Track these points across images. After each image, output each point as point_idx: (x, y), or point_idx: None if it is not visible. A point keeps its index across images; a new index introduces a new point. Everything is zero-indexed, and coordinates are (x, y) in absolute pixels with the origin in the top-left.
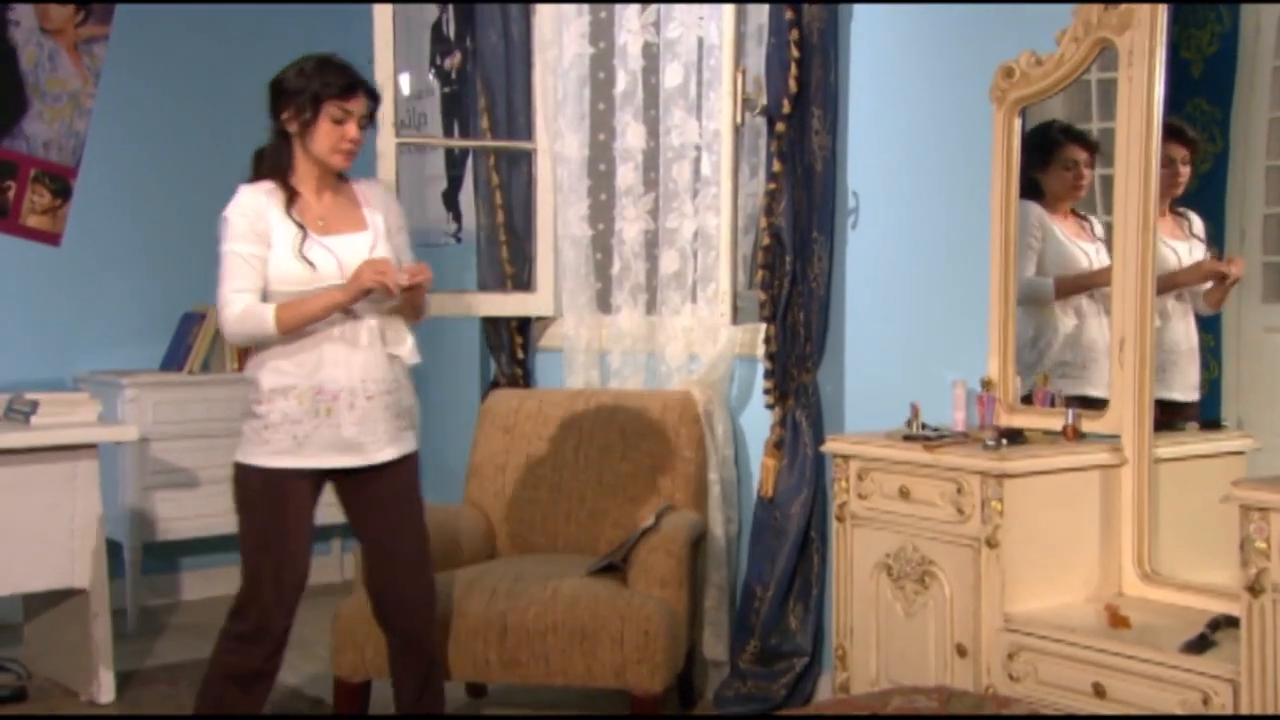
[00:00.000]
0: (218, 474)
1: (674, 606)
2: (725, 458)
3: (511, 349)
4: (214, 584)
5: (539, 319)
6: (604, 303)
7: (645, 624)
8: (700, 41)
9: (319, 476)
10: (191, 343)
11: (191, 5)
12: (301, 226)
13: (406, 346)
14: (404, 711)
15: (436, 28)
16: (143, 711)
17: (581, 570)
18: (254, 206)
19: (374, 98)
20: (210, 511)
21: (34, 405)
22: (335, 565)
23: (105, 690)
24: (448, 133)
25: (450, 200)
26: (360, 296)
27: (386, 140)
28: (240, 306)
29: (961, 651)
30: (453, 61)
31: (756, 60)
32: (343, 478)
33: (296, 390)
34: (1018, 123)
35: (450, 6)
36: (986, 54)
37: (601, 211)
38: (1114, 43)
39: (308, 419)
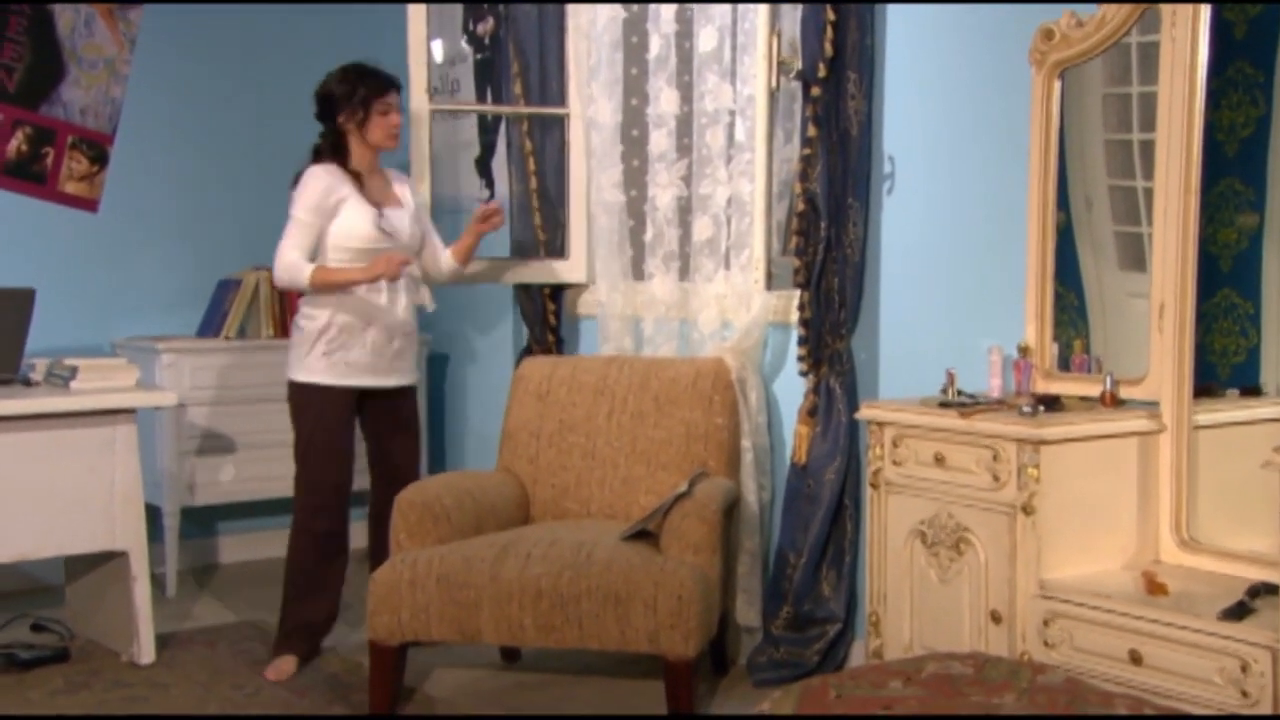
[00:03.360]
0: (254, 439)
1: (707, 572)
2: (758, 424)
3: (544, 316)
4: (251, 548)
5: (572, 286)
6: (637, 269)
7: (678, 589)
8: (734, 5)
9: (353, 394)
10: (228, 309)
11: None
12: (376, 205)
13: (426, 297)
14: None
15: None
16: (180, 671)
17: (615, 536)
18: (327, 185)
19: (400, 88)
20: (247, 476)
21: (73, 370)
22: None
23: (146, 651)
24: (481, 99)
25: (483, 167)
26: (374, 280)
27: (420, 106)
28: (290, 258)
29: (996, 618)
30: (486, 27)
31: (792, 23)
32: (364, 398)
33: (350, 323)
34: (1057, 85)
35: None
36: (1025, 15)
37: (634, 177)
38: (1157, 4)
39: (354, 345)
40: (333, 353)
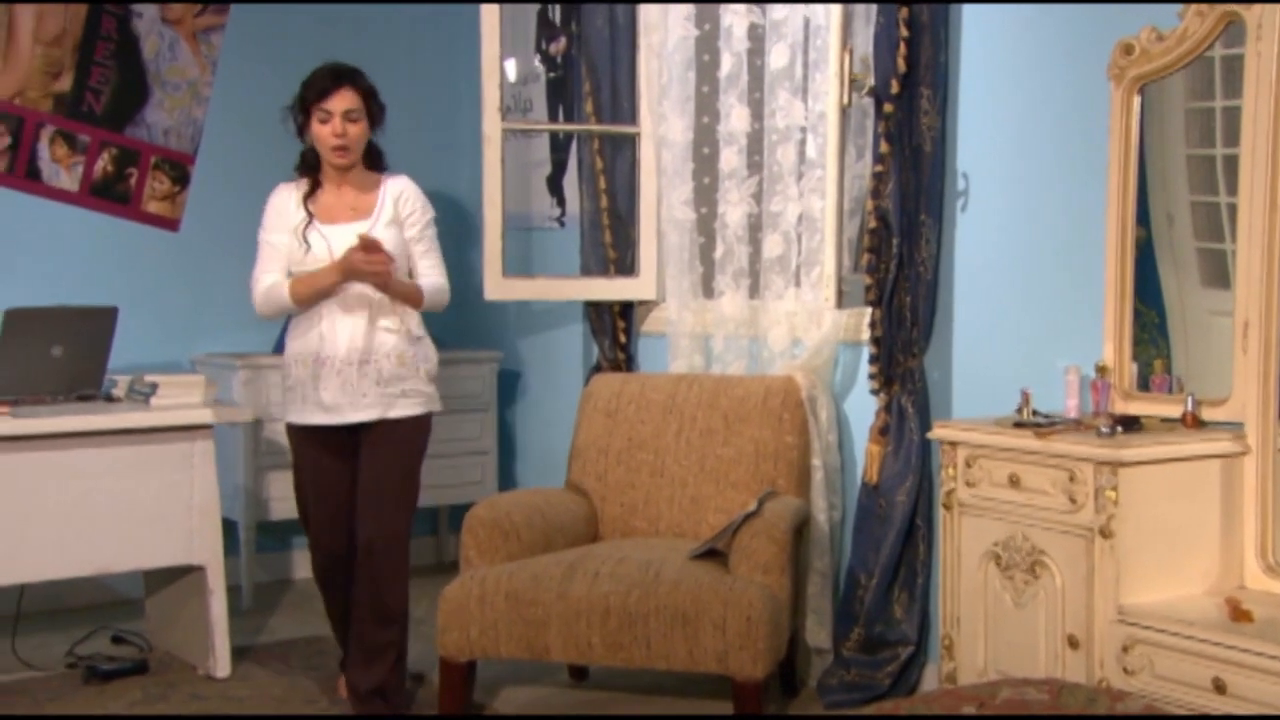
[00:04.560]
0: None
1: (776, 592)
2: (829, 443)
3: (614, 333)
4: None
5: (642, 303)
6: (707, 287)
7: (747, 609)
8: (807, 22)
9: (340, 430)
10: None
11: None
12: (310, 214)
13: (395, 321)
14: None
15: (543, 13)
16: (254, 685)
17: (683, 554)
18: (281, 201)
19: (363, 91)
20: None
21: (153, 387)
22: (436, 547)
23: (222, 665)
24: (552, 118)
25: (554, 185)
26: (347, 275)
27: (492, 126)
28: (265, 285)
29: (1073, 643)
30: (558, 47)
31: (864, 40)
32: (359, 433)
33: (301, 357)
34: (1137, 100)
35: None
36: (1103, 30)
37: (705, 195)
38: (1241, 16)
39: (308, 383)
40: (293, 389)
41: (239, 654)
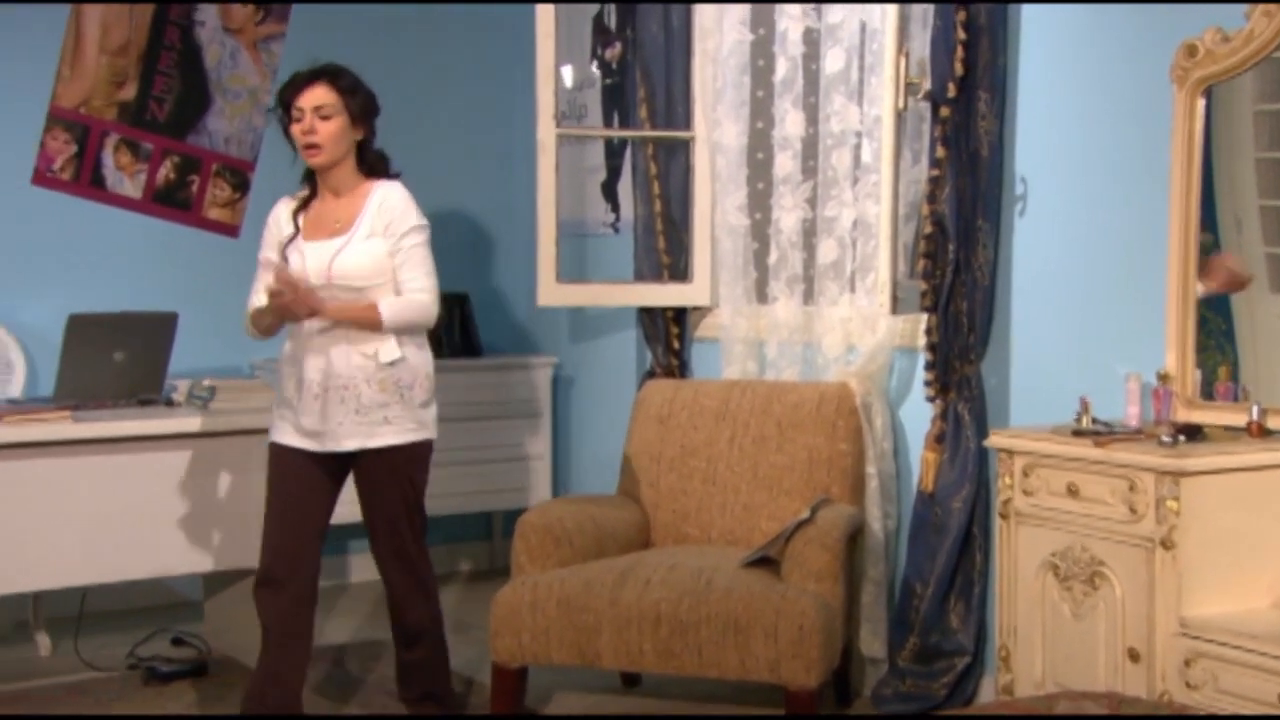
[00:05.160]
0: None
1: (829, 601)
2: (884, 451)
3: (667, 339)
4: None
5: (695, 309)
6: (761, 293)
7: (800, 618)
8: (863, 25)
9: (322, 459)
10: None
11: (362, 4)
12: (297, 229)
13: (373, 347)
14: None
15: (598, 19)
16: (310, 688)
17: (735, 562)
18: (277, 214)
19: (340, 89)
20: None
21: (212, 391)
22: (489, 552)
23: None
24: (607, 123)
25: (609, 191)
26: (281, 315)
27: (546, 132)
28: (250, 307)
29: (1134, 656)
30: (613, 52)
31: (921, 43)
32: (346, 465)
33: (287, 375)
34: (1201, 104)
35: None
36: (1166, 31)
37: (759, 200)
38: None
39: (292, 402)
40: (280, 407)
41: None
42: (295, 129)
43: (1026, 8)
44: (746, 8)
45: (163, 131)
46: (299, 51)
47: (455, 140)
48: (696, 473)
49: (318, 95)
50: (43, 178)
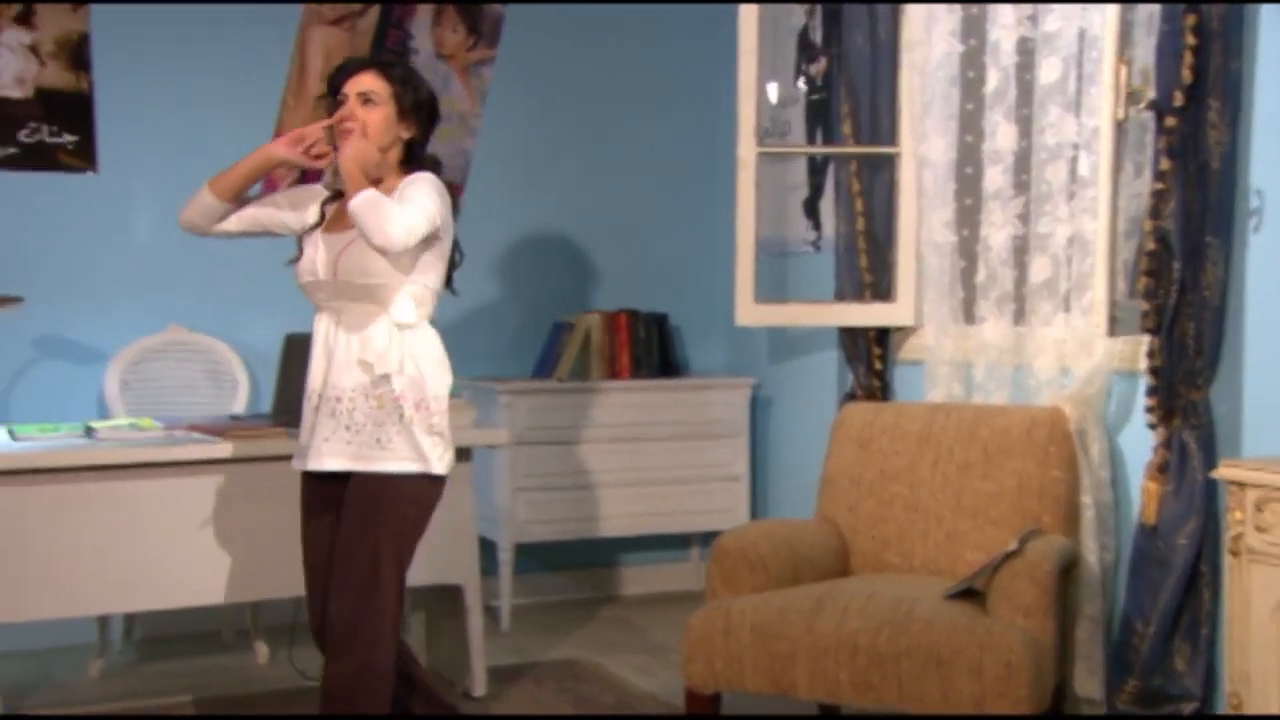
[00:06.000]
0: (584, 479)
1: (1039, 637)
2: (1100, 480)
3: (869, 360)
4: (583, 586)
5: (899, 329)
6: (968, 312)
7: (1007, 654)
8: (1081, 33)
9: (329, 482)
10: (560, 351)
11: (568, 31)
12: (323, 217)
13: (374, 353)
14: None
15: (803, 33)
16: (509, 705)
17: (938, 593)
18: (311, 187)
19: (388, 75)
20: (574, 516)
21: None
22: (693, 573)
23: (479, 684)
24: (811, 140)
25: (811, 208)
26: (264, 158)
27: (747, 150)
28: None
29: None
30: (818, 67)
31: (1144, 50)
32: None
33: (305, 395)
34: None
35: (818, 10)
36: None
37: (967, 217)
38: None
39: (304, 420)
40: (294, 424)
41: (496, 674)
42: (336, 114)
43: (1265, 8)
44: (957, 17)
45: None
46: (508, 76)
47: (657, 158)
48: (897, 498)
49: (365, 81)
50: None
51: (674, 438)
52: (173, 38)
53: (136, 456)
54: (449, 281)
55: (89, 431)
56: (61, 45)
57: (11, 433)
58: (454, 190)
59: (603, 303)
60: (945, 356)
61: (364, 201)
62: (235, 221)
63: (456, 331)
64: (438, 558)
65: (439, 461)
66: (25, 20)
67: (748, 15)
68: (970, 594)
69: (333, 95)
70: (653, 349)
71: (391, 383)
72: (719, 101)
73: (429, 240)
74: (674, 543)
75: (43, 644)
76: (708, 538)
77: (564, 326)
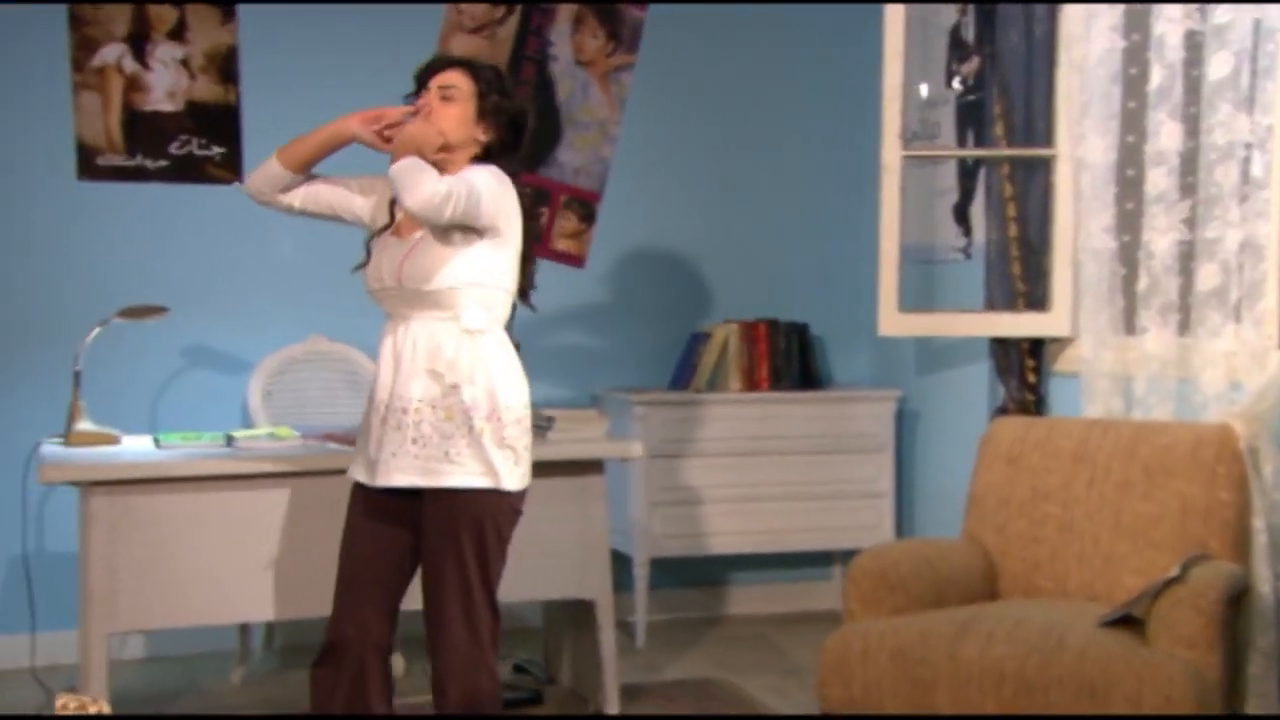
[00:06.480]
0: (722, 493)
1: (1203, 671)
2: (1274, 503)
3: (1022, 373)
4: (720, 603)
5: (1053, 340)
6: (1128, 323)
7: (1167, 687)
8: (1256, 24)
9: (391, 495)
10: (697, 362)
11: (709, 35)
12: (391, 219)
13: (443, 361)
14: None
15: (954, 32)
16: None
17: (1092, 620)
18: (379, 187)
19: (474, 74)
20: (711, 530)
21: (550, 421)
22: (835, 592)
23: (611, 701)
24: (961, 142)
25: (960, 214)
26: (337, 131)
27: (891, 153)
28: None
29: None
30: (969, 67)
31: None
32: (418, 505)
33: (370, 404)
34: None
35: (970, 8)
36: None
37: (1128, 221)
38: None
39: (363, 430)
40: (360, 432)
41: (629, 692)
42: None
43: None
44: (1119, 11)
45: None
46: (648, 82)
47: (800, 163)
48: (1050, 519)
49: (449, 77)
50: None
51: (816, 451)
52: (316, 50)
53: (272, 466)
54: (525, 295)
55: (229, 440)
56: (211, 59)
57: (156, 441)
58: (590, 197)
59: (741, 312)
60: (1104, 369)
61: (405, 164)
62: (302, 197)
63: (596, 342)
64: (569, 572)
65: (510, 477)
66: (178, 35)
67: (894, 16)
68: (1128, 622)
69: (418, 90)
70: (793, 360)
71: (461, 393)
72: (864, 104)
73: (489, 235)
74: (815, 560)
75: (186, 650)
76: (850, 556)
77: (701, 337)
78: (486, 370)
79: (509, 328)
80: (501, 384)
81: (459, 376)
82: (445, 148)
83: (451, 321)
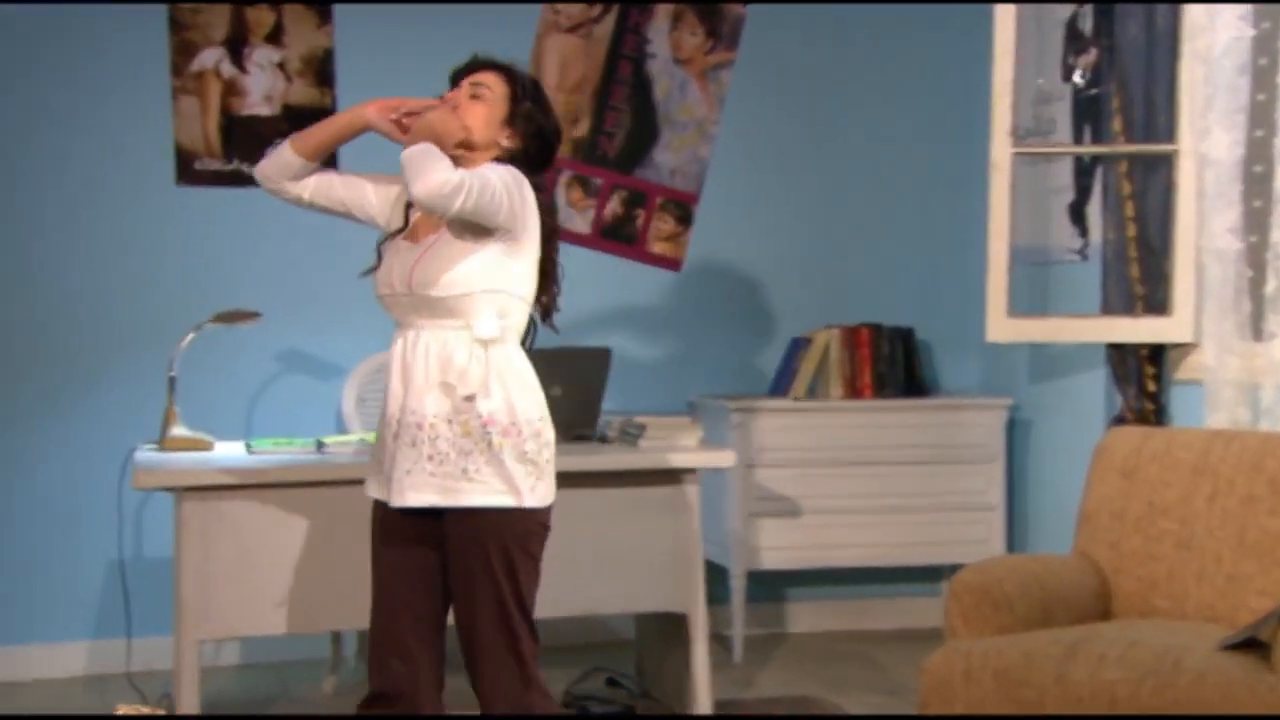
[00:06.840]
0: (821, 504)
1: None
2: None
3: (1141, 381)
4: (820, 617)
5: (1175, 347)
6: (1255, 328)
7: None
8: None
9: (411, 515)
10: (797, 368)
11: (811, 31)
12: (406, 222)
13: (454, 372)
14: None
15: (1071, 24)
16: None
17: (1212, 642)
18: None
19: (510, 79)
20: (814, 542)
21: (642, 429)
22: (943, 608)
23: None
24: (1077, 139)
25: (1077, 213)
26: (353, 118)
27: (1000, 150)
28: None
29: None
30: (1087, 60)
31: None
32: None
33: (382, 418)
34: None
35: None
36: None
37: (1256, 221)
38: None
39: (379, 446)
40: (372, 447)
41: (723, 707)
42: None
43: None
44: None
45: (612, 166)
46: (747, 80)
47: (904, 162)
48: (1167, 535)
49: (484, 77)
50: None
51: (921, 462)
52: (412, 51)
53: (359, 472)
54: (546, 316)
55: (320, 446)
56: (308, 62)
57: (248, 447)
58: (687, 199)
59: (843, 316)
60: (1229, 377)
61: (417, 149)
62: (313, 188)
63: (692, 347)
64: (661, 584)
65: (531, 493)
66: (275, 39)
67: (1004, 15)
68: (1251, 645)
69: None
70: (897, 366)
71: (477, 406)
72: (973, 101)
73: (504, 238)
74: (921, 575)
75: (280, 658)
76: (957, 570)
77: (801, 342)
78: (502, 382)
79: (527, 345)
80: (519, 396)
81: (472, 388)
82: (466, 144)
83: (463, 330)
